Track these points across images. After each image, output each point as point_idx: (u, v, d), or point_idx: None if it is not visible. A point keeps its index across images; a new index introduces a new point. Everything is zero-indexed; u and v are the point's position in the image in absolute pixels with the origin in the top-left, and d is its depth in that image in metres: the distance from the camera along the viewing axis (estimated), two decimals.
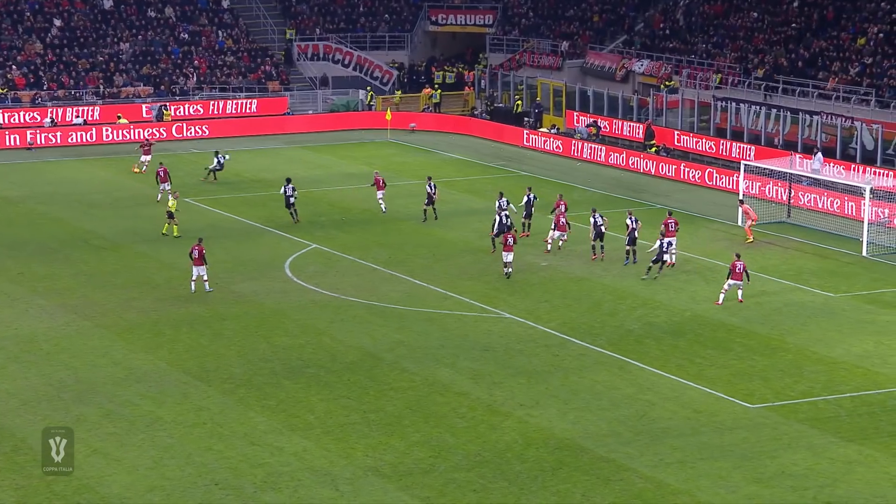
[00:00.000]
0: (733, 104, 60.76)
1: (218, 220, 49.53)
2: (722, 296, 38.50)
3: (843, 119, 56.24)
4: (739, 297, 38.51)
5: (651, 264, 41.22)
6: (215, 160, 56.34)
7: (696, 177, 57.10)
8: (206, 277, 39.37)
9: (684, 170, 57.89)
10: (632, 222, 43.12)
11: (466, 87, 75.80)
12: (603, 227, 43.53)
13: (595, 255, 43.52)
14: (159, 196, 51.22)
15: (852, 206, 48.79)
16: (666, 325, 36.96)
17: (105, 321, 37.03)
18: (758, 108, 59.45)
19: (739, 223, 48.76)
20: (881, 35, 61.38)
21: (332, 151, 64.51)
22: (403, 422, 29.82)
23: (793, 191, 50.81)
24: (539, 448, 28.31)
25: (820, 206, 50.48)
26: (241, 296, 39.66)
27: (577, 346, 35.14)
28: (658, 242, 41.24)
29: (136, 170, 57.75)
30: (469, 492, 26.26)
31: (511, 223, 44.33)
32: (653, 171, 58.90)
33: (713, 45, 67.31)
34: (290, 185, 48.95)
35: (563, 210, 44.93)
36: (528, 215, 46.56)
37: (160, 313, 37.75)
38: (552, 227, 44.31)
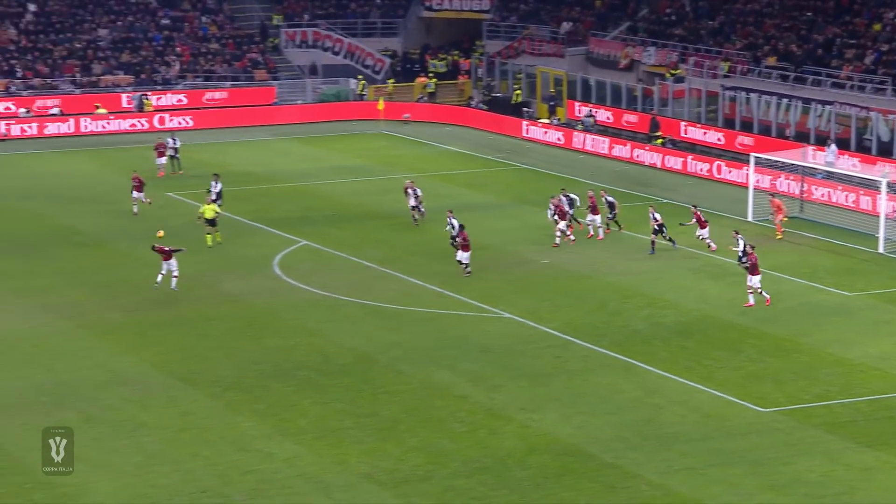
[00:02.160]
0: (743, 93, 60.88)
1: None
2: (751, 296, 38.44)
3: (858, 109, 56.35)
4: (766, 296, 38.21)
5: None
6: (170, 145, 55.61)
7: (704, 169, 57.23)
8: (174, 274, 39.08)
9: (691, 162, 58.03)
10: (653, 216, 44.07)
11: (461, 76, 75.85)
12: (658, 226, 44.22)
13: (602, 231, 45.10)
14: (135, 208, 49.07)
15: (868, 201, 48.90)
16: (674, 326, 37.05)
17: (86, 321, 37.08)
18: (769, 97, 59.57)
19: (750, 218, 48.87)
20: None
21: (321, 143, 64.57)
22: (399, 427, 29.90)
23: (805, 185, 50.93)
24: (542, 454, 28.38)
25: (834, 200, 50.59)
26: (229, 295, 39.73)
27: (581, 348, 35.19)
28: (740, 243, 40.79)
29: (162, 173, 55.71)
30: (469, 500, 26.35)
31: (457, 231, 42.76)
32: (658, 164, 59.01)
33: (721, 32, 67.43)
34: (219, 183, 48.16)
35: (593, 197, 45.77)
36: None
37: (144, 313, 37.81)
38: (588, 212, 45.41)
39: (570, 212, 45.44)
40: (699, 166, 57.61)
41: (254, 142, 64.97)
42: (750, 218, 49.24)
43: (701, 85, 63.34)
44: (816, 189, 51.30)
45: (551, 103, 67.46)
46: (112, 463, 27.87)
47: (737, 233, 41.50)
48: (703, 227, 44.36)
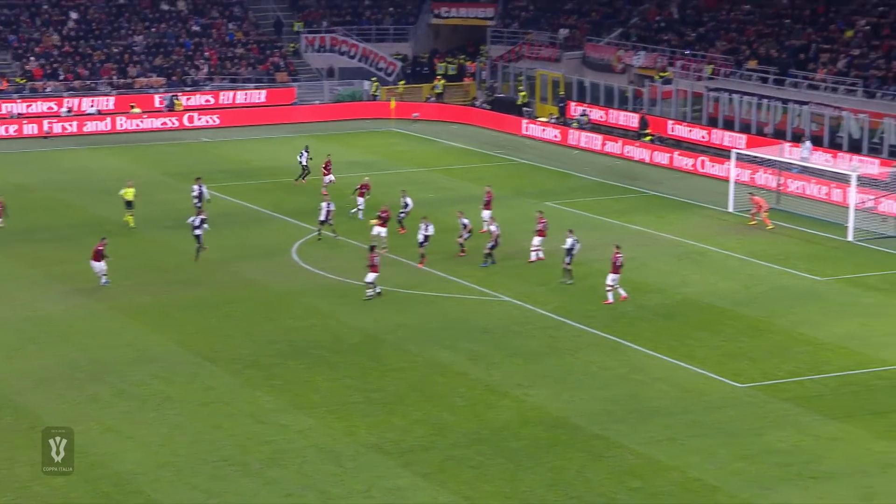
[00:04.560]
0: (726, 94, 60.69)
1: (228, 207, 49.58)
2: (610, 294, 37.04)
3: (832, 109, 56.21)
4: (622, 294, 36.79)
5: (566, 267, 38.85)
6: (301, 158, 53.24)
7: (689, 164, 57.09)
8: (102, 273, 38.16)
9: (677, 157, 57.90)
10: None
11: (467, 79, 75.73)
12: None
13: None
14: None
15: (839, 193, 48.77)
16: (658, 308, 37.00)
17: (117, 304, 37.14)
18: (749, 98, 59.38)
19: (731, 209, 48.78)
20: (868, 27, 61.27)
21: (337, 140, 64.51)
22: (404, 401, 29.93)
23: (782, 178, 50.79)
24: (535, 426, 28.40)
25: (808, 192, 50.46)
26: (249, 280, 39.76)
27: (573, 329, 35.20)
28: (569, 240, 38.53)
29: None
30: (467, 468, 26.38)
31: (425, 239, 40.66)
32: (647, 160, 58.89)
33: (706, 38, 67.21)
34: (202, 186, 45.94)
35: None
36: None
37: (170, 296, 37.86)
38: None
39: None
40: (684, 161, 57.47)
41: (275, 139, 64.95)
42: (731, 209, 49.13)
43: (687, 86, 63.16)
44: (792, 182, 51.18)
45: (561, 104, 67.21)
46: (140, 433, 27.96)
47: (571, 232, 39.36)
48: (540, 235, 40.90)
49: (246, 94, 70.80)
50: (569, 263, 39.10)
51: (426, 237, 40.52)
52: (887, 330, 34.87)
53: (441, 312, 36.60)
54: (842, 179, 48.18)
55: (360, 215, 46.51)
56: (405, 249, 43.01)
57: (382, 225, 42.12)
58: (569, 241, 39.05)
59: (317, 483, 25.69)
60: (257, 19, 78.55)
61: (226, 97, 70.28)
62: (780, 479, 25.82)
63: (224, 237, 43.94)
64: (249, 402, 29.80)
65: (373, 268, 37.07)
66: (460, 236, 41.95)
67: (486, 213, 44.56)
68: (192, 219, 41.59)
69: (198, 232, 41.09)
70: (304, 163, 53.17)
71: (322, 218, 43.86)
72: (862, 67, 59.00)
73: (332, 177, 50.78)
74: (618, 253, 37.25)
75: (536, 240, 41.37)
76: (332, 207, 44.00)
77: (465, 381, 31.12)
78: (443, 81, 74.17)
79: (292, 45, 77.10)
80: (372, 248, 37.90)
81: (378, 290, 37.38)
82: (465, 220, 42.16)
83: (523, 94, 70.34)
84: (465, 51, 79.59)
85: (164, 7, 76.64)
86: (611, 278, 37.16)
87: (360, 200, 47.05)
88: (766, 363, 32.40)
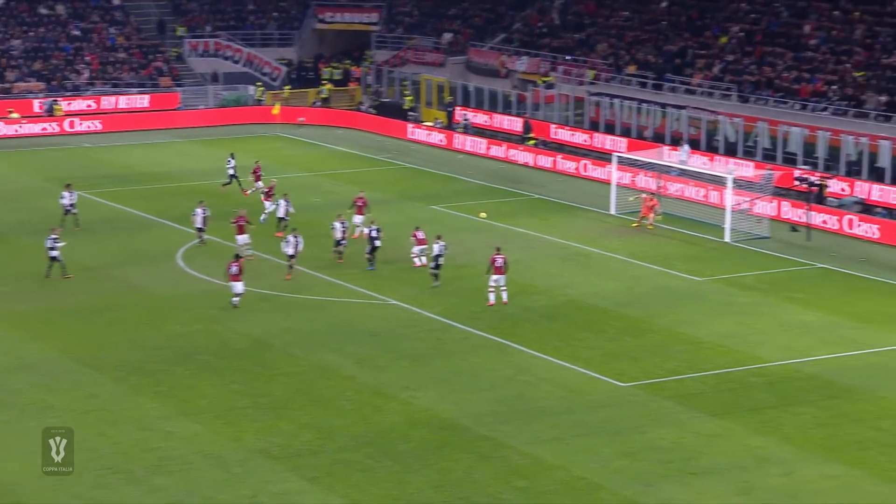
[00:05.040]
0: (606, 99, 61.48)
1: (111, 213, 48.67)
2: (492, 295, 37.13)
3: (708, 113, 57.32)
4: (504, 298, 36.87)
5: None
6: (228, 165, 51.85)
7: (572, 168, 57.70)
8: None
9: (560, 161, 58.46)
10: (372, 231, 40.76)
11: (352, 83, 75.52)
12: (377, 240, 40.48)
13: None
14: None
15: (716, 195, 49.71)
16: (543, 309, 37.28)
17: None
18: (630, 102, 60.23)
19: (613, 211, 49.39)
20: (742, 34, 62.66)
21: (222, 145, 63.70)
22: (292, 405, 29.67)
23: (662, 181, 51.59)
24: (422, 428, 28.39)
25: (686, 195, 51.34)
26: (134, 286, 39.05)
27: (460, 331, 35.27)
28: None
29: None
30: (355, 471, 26.25)
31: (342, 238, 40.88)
32: (531, 163, 59.35)
33: (587, 43, 68.03)
34: (73, 193, 44.74)
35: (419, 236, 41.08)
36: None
37: (52, 303, 36.98)
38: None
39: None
40: (567, 165, 58.06)
41: (159, 144, 63.93)
42: (613, 211, 49.75)
43: (569, 91, 63.83)
44: (671, 185, 52.03)
45: (449, 109, 67.29)
46: (19, 443, 27.22)
47: (439, 238, 38.93)
48: (241, 233, 40.76)
49: (129, 98, 69.58)
50: (435, 268, 39.09)
51: (296, 251, 39.50)
52: (763, 328, 35.64)
53: (328, 316, 36.40)
54: (718, 182, 49.12)
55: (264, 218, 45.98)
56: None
57: (241, 232, 41.39)
58: (436, 248, 39.11)
59: (203, 489, 25.32)
60: (139, 24, 77.23)
61: (108, 102, 68.98)
62: (661, 475, 26.18)
63: (107, 243, 43.09)
64: (134, 410, 29.25)
65: (233, 277, 36.16)
66: (338, 244, 41.38)
67: (358, 219, 44.28)
68: (50, 238, 39.10)
69: (53, 253, 38.90)
70: (233, 172, 51.67)
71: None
72: (736, 72, 60.32)
73: (261, 183, 50.02)
74: (497, 254, 37.32)
75: (416, 249, 41.09)
76: (272, 209, 43.95)
77: (352, 385, 30.97)
78: (329, 86, 73.86)
79: (175, 49, 75.99)
80: (237, 257, 37.29)
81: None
82: (339, 224, 41.48)
83: (409, 98, 70.41)
84: (351, 55, 79.34)
85: (43, 11, 74.91)
86: (492, 280, 37.23)
87: (268, 204, 46.53)
88: (648, 362, 32.85)
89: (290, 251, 39.54)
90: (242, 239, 41.27)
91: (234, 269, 36.34)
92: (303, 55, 79.23)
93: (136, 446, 27.19)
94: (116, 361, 32.36)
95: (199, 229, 43.44)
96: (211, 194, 51.33)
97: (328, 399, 30.07)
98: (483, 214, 45.48)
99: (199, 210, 43.46)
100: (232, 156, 52.47)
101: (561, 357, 33.11)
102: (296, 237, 39.71)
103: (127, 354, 32.90)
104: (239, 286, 36.35)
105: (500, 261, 37.17)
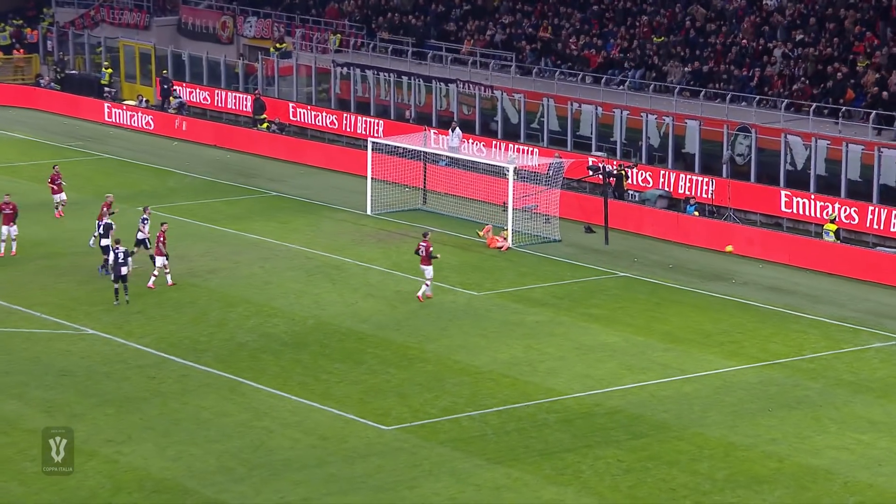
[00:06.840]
0: (357, 71, 61.83)
1: None
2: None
3: (482, 88, 58.34)
4: (427, 293, 40.01)
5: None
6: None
7: (317, 157, 57.74)
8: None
9: (302, 148, 58.44)
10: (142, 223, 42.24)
11: (16, 51, 73.45)
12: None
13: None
14: None
15: (496, 190, 50.52)
16: (286, 336, 37.19)
17: None
18: (386, 75, 60.75)
19: (369, 211, 49.62)
20: None
21: None
22: None
23: (428, 172, 52.17)
24: (132, 492, 27.91)
25: (459, 189, 52.03)
26: None
27: (179, 366, 34.89)
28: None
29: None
30: None
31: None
32: (265, 152, 59.09)
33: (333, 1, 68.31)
34: None
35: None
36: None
37: None
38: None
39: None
40: (311, 153, 58.08)
41: None
42: (369, 211, 50.02)
43: (310, 61, 63.96)
44: (440, 177, 52.64)
45: (165, 86, 65.94)
46: None
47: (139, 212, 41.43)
48: (7, 223, 42.47)
49: None
50: (117, 281, 39.25)
51: None
52: (554, 353, 36.47)
53: (4, 352, 35.50)
54: (498, 173, 49.98)
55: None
56: None
57: None
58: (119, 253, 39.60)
59: None
60: None
61: None
62: None
63: None
64: None
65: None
66: None
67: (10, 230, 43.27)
68: None
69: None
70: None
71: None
72: (515, 37, 61.52)
73: (63, 195, 48.53)
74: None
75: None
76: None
77: (37, 441, 30.04)
78: None
79: None
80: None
81: None
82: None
83: (109, 70, 69.15)
84: (23, 14, 77.38)
85: None
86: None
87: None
88: (418, 399, 33.14)
89: None
90: None
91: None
92: None
93: None
94: None
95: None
96: None
97: (6, 460, 29.24)
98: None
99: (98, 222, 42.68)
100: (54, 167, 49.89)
101: (309, 396, 33.06)
102: None
103: None
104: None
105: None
